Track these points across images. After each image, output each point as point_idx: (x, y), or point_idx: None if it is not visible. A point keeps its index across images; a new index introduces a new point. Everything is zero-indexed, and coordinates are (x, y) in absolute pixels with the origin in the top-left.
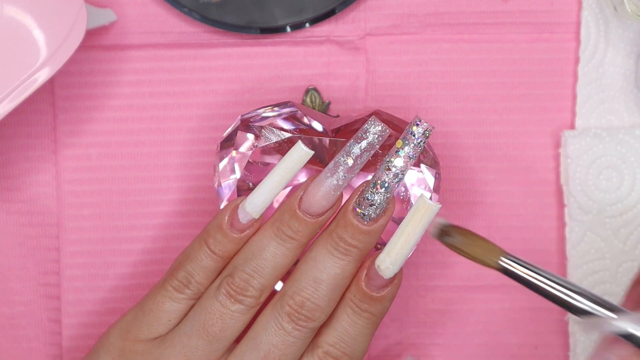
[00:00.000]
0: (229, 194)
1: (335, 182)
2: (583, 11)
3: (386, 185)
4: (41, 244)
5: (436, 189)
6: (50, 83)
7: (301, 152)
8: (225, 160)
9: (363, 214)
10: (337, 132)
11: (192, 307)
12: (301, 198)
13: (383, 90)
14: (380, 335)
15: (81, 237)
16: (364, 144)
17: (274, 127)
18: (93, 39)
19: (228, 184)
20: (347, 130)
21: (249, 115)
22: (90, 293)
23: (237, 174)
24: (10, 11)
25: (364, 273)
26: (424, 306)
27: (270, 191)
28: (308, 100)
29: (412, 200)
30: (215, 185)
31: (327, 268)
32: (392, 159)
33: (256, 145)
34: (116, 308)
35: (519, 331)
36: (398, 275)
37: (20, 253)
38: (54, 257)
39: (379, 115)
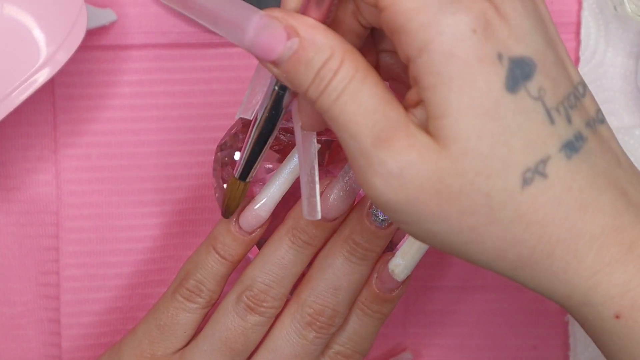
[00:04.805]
0: None
1: (353, 185)
2: (583, 11)
3: None
4: (40, 243)
5: None
6: (51, 83)
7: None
8: (227, 162)
9: (381, 219)
10: None
11: (205, 315)
12: None
13: None
14: (380, 335)
15: (80, 237)
16: None
17: None
18: (93, 39)
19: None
20: None
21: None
22: (89, 293)
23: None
24: (10, 11)
25: (375, 276)
26: (423, 306)
27: (278, 190)
28: None
29: None
30: (215, 187)
31: (346, 275)
32: None
33: None
34: (115, 308)
35: (518, 331)
36: (409, 276)
37: (19, 253)
38: (53, 257)
39: None
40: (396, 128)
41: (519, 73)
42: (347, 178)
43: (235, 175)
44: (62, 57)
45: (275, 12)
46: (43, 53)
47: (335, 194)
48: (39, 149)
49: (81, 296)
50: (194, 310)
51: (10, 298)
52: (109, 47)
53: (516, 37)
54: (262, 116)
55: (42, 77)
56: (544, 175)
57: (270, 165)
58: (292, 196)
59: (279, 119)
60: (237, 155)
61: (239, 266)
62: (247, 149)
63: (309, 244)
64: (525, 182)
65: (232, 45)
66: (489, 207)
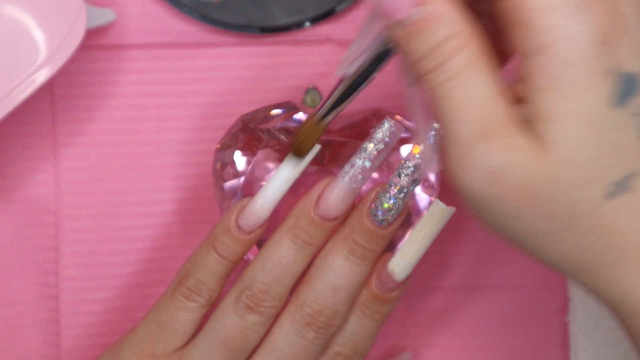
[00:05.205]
0: (231, 196)
1: (353, 185)
2: None
3: (405, 190)
4: (40, 244)
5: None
6: (50, 83)
7: None
8: (227, 162)
9: (381, 219)
10: (340, 131)
11: (204, 314)
12: (316, 202)
13: (383, 90)
14: (380, 335)
15: (80, 237)
16: (380, 145)
17: (276, 128)
18: (93, 38)
19: (230, 186)
20: (350, 130)
21: (250, 116)
22: (88, 293)
23: (239, 176)
24: (9, 11)
25: (375, 276)
26: (423, 306)
27: (278, 190)
28: (308, 100)
29: (418, 199)
30: (215, 187)
31: (345, 275)
32: (410, 163)
33: (258, 147)
34: (115, 308)
35: (518, 332)
36: (409, 276)
37: (19, 253)
38: (53, 257)
39: (381, 113)
40: (503, 124)
41: (625, 89)
42: (347, 178)
43: (319, 114)
44: (62, 57)
45: None
46: (42, 52)
47: (336, 194)
48: (38, 148)
49: (81, 296)
50: (194, 309)
51: (9, 298)
52: (108, 46)
53: (630, 53)
54: (363, 64)
55: (42, 76)
56: (627, 189)
57: (271, 165)
58: (292, 196)
59: (374, 74)
60: (236, 155)
61: (239, 266)
62: (336, 92)
63: (309, 244)
64: (610, 194)
65: (232, 45)
66: (571, 215)
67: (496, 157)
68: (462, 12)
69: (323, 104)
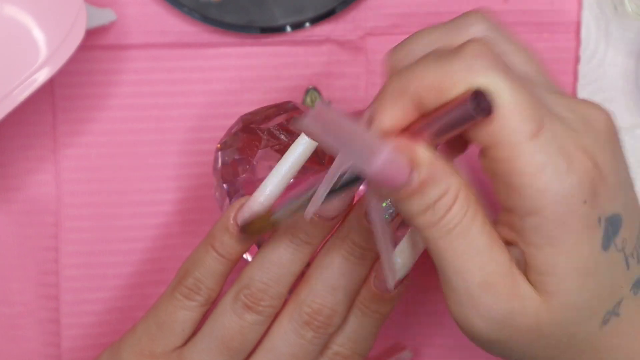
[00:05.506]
0: (231, 196)
1: None
2: (583, 11)
3: None
4: (40, 243)
5: None
6: (50, 83)
7: (305, 143)
8: (227, 162)
9: None
10: None
11: (204, 314)
12: None
13: None
14: (380, 336)
15: (80, 237)
16: None
17: (276, 128)
18: (93, 38)
19: (230, 185)
20: None
21: (250, 115)
22: (89, 293)
23: (239, 176)
24: (9, 11)
25: (374, 275)
26: (423, 306)
27: (276, 188)
28: (308, 100)
29: None
30: (215, 186)
31: (344, 274)
32: None
33: (258, 147)
34: (115, 308)
35: None
36: (408, 275)
37: (19, 253)
38: (53, 257)
39: None
40: (503, 274)
41: (611, 231)
42: (345, 177)
43: (276, 215)
44: (62, 57)
45: (401, 143)
46: (42, 53)
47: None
48: (38, 149)
49: (81, 296)
50: (193, 308)
51: (10, 298)
52: (108, 46)
53: (611, 197)
54: (330, 191)
55: (42, 76)
56: (617, 314)
57: (271, 165)
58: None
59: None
60: (236, 155)
61: (239, 266)
62: (301, 200)
63: (308, 243)
64: (604, 322)
65: (232, 45)
66: (570, 344)
67: (500, 306)
68: (447, 168)
69: (284, 203)
